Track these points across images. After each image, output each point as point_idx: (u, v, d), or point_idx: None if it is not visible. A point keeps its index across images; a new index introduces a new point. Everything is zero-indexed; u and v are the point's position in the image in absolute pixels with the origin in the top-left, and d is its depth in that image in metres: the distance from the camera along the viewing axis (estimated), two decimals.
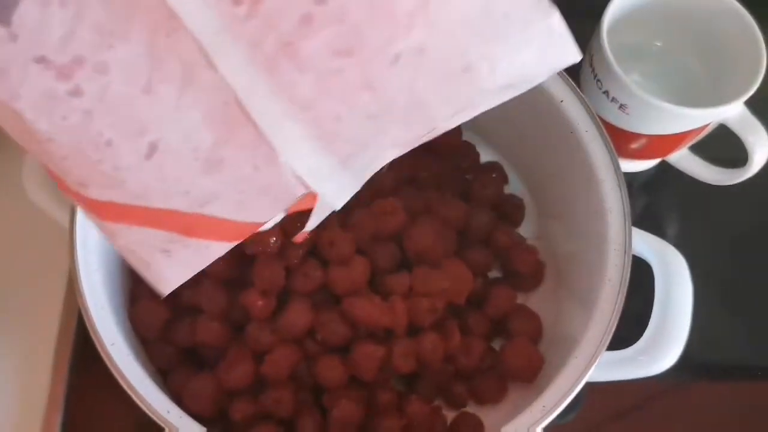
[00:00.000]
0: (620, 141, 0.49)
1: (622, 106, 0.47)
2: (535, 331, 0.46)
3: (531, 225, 0.50)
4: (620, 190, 0.41)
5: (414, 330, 0.42)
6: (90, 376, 0.45)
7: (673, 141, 0.49)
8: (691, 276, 0.41)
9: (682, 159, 0.52)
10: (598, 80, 0.47)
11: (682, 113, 0.45)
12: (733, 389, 0.51)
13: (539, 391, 0.39)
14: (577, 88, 0.43)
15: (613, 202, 0.41)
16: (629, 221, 0.41)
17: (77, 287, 0.36)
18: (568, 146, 0.44)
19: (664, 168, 0.53)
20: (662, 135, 0.48)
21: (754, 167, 0.47)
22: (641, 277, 0.41)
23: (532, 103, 0.45)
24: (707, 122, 0.47)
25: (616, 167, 0.42)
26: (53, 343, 0.45)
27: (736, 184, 0.49)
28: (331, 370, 0.40)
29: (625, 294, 0.39)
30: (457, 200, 0.46)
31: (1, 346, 0.45)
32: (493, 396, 0.44)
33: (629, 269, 0.40)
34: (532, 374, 0.43)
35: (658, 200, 0.55)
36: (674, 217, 0.55)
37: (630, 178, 0.55)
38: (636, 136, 0.48)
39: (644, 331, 0.41)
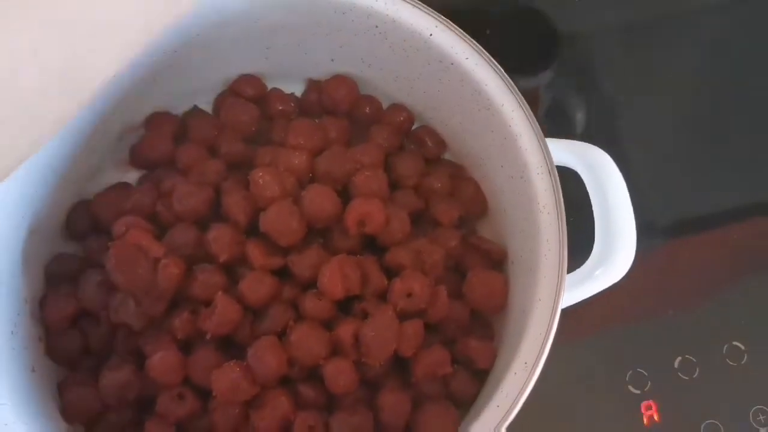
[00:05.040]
0: None
1: None
2: (487, 259, 0.42)
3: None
4: (523, 110, 0.38)
5: None
6: None
7: None
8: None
9: None
10: None
11: None
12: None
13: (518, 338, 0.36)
14: (446, 18, 0.39)
15: (520, 124, 0.38)
16: (543, 139, 0.38)
17: None
18: (453, 80, 0.40)
19: None
20: None
21: None
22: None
23: (401, 44, 0.41)
24: None
25: (511, 87, 0.38)
26: None
27: None
28: None
29: (565, 218, 0.36)
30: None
31: None
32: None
33: (560, 189, 0.37)
34: (499, 300, 0.40)
35: None
36: None
37: None
38: None
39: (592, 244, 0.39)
